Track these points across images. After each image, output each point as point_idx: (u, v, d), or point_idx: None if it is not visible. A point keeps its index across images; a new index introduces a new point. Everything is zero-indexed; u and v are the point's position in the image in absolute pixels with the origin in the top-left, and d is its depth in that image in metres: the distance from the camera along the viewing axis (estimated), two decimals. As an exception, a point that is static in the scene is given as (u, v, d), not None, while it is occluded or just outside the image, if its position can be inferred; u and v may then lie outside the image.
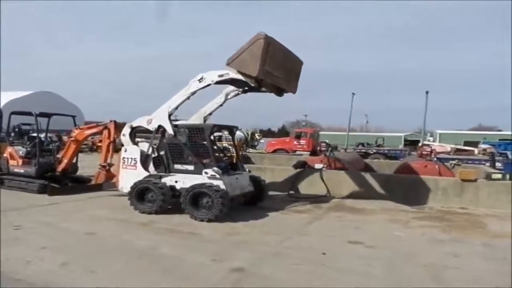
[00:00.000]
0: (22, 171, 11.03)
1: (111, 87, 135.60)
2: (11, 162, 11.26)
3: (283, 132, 78.31)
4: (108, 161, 10.61)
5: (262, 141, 36.17)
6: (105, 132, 10.61)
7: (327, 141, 15.42)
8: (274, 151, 28.12)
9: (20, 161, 11.24)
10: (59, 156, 11.54)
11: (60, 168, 11.08)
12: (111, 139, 10.53)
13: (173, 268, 4.95)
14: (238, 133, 9.95)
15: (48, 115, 12.15)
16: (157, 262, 5.15)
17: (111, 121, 10.68)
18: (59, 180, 11.09)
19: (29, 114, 11.34)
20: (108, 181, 10.76)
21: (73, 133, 11.10)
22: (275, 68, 7.70)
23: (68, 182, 11.27)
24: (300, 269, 5.01)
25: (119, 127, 10.49)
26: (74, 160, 11.54)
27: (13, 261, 4.96)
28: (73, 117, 13.14)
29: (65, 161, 11.11)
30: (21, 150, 11.61)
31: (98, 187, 11.06)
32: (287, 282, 4.59)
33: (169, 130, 8.33)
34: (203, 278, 4.60)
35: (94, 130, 11.13)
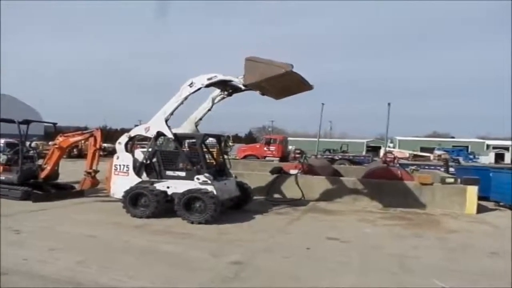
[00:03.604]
0: (3, 178, 11.08)
1: (74, 90, 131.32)
2: (-9, 169, 11.28)
3: (250, 138, 79.33)
4: (94, 167, 10.93)
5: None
6: (91, 139, 10.93)
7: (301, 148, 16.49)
8: (244, 157, 28.96)
9: (1, 168, 11.30)
10: (39, 163, 11.72)
11: (43, 174, 11.23)
12: (97, 146, 10.88)
13: (179, 262, 5.62)
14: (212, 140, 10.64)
15: (27, 122, 12.26)
16: (162, 258, 5.79)
17: (97, 129, 11.05)
18: (41, 187, 11.26)
19: (11, 121, 11.44)
20: (93, 188, 11.12)
21: (57, 140, 11.31)
22: (272, 86, 8.25)
23: (51, 189, 11.46)
24: (289, 261, 5.84)
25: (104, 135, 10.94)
26: (56, 167, 11.73)
27: (30, 262, 5.39)
28: (54, 124, 13.35)
29: (48, 168, 11.29)
30: (1, 157, 11.67)
31: (81, 194, 11.39)
32: (279, 271, 5.39)
33: (169, 135, 8.90)
34: (208, 269, 5.30)
35: (79, 138, 11.39)
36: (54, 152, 11.32)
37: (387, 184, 11.76)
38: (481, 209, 10.97)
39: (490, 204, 12.15)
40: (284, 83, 8.31)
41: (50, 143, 14.62)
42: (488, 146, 64.57)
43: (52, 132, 14.50)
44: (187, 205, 8.06)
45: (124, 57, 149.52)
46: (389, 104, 19.13)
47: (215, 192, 8.08)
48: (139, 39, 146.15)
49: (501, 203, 12.24)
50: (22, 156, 11.27)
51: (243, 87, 8.84)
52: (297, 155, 14.93)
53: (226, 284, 4.81)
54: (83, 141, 13.55)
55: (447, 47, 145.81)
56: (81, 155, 25.72)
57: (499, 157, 49.65)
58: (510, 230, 8.64)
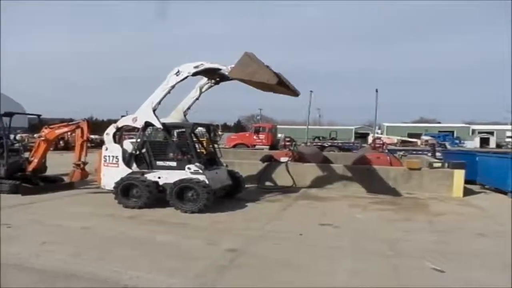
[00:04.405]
0: (-11, 172, 10.86)
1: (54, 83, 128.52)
2: (-24, 163, 11.03)
3: (239, 127, 79.18)
4: (82, 159, 10.77)
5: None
6: (78, 131, 10.73)
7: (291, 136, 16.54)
8: (234, 146, 28.92)
9: (-14, 163, 11.05)
10: (26, 155, 11.51)
11: (30, 167, 11.04)
12: (84, 138, 10.70)
13: (175, 251, 5.63)
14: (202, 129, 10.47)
15: (10, 114, 11.97)
16: (158, 248, 5.79)
17: (83, 120, 10.85)
18: (30, 180, 11.07)
19: (-5, 114, 11.17)
20: (82, 180, 10.97)
21: (43, 132, 11.09)
22: (256, 85, 8.26)
23: (40, 182, 11.29)
24: (284, 247, 5.92)
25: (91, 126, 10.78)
26: (44, 160, 11.54)
27: (23, 256, 5.32)
28: (38, 116, 13.09)
29: (35, 160, 11.09)
30: (-14, 152, 11.40)
31: (71, 186, 11.25)
32: (274, 258, 5.45)
33: (157, 125, 8.78)
34: (204, 257, 5.33)
35: (65, 130, 11.19)
36: (41, 145, 11.12)
37: (376, 170, 11.93)
38: (467, 192, 11.24)
39: (476, 187, 12.45)
40: (269, 87, 8.37)
41: (35, 135, 14.34)
42: (473, 131, 65.75)
43: (36, 123, 14.22)
44: (179, 194, 8.04)
45: (113, 49, 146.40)
46: (376, 90, 19.35)
47: (207, 182, 8.07)
48: (135, 35, 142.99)
49: (486, 186, 12.56)
50: (7, 149, 11.04)
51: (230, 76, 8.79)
52: (287, 143, 14.98)
53: (222, 272, 4.84)
54: (69, 133, 13.34)
55: (433, 38, 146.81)
56: (68, 147, 25.31)
57: (484, 142, 50.80)
58: (496, 212, 8.90)
